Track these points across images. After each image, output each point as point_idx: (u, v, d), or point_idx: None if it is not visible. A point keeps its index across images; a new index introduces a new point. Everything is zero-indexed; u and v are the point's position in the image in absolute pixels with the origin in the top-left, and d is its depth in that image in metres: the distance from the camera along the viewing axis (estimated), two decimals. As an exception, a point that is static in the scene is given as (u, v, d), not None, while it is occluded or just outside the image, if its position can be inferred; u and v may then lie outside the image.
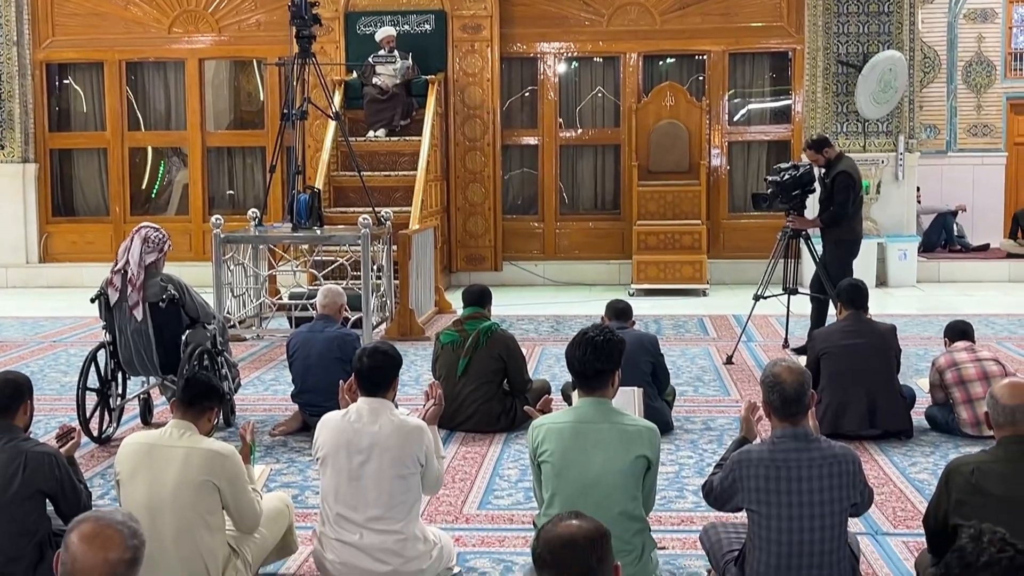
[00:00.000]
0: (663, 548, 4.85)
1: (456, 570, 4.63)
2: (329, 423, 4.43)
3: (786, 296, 9.32)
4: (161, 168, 15.15)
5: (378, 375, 4.41)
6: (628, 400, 5.35)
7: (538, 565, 2.53)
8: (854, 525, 5.09)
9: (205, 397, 4.42)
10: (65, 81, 15.04)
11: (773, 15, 14.06)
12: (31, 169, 14.55)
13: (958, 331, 6.93)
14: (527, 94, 14.67)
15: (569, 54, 14.56)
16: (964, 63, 16.14)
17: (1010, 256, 14.57)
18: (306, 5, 10.08)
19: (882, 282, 13.39)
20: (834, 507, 3.96)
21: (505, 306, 11.81)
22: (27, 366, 8.95)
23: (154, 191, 15.17)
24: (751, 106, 14.59)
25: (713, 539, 4.37)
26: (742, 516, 4.21)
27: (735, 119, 14.50)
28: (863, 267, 12.71)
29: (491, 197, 14.23)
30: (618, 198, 14.54)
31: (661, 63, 14.61)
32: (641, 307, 11.95)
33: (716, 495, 4.21)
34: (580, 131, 14.65)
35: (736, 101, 14.49)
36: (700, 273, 13.29)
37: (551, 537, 2.53)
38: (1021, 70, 16.34)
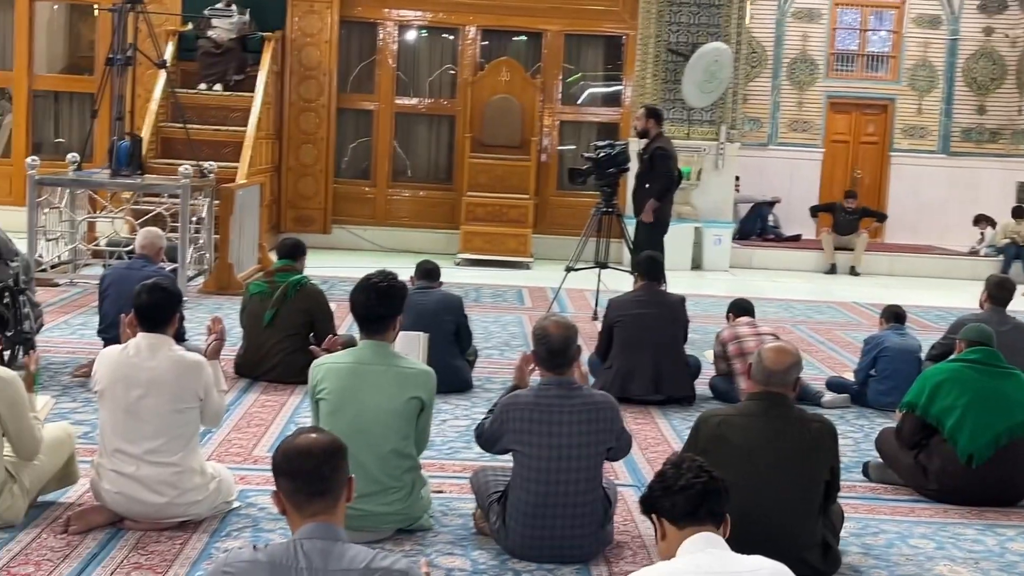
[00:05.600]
0: (441, 492, 5.07)
1: (235, 504, 4.76)
2: (108, 357, 4.50)
3: (597, 269, 9.66)
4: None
5: (157, 311, 4.49)
6: (413, 344, 5.55)
7: (275, 473, 2.71)
8: (624, 478, 5.42)
9: (-12, 324, 4.44)
10: None
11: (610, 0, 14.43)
12: None
13: (740, 308, 7.34)
14: (365, 59, 14.73)
15: (410, 22, 14.69)
16: (789, 60, 16.82)
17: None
18: (135, -50, 9.96)
19: (697, 265, 13.93)
20: (591, 450, 4.24)
21: (331, 267, 11.91)
22: None
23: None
24: (584, 87, 14.95)
25: (481, 480, 4.61)
26: (510, 461, 4.46)
27: (572, 100, 14.85)
28: (679, 249, 13.29)
29: (324, 159, 14.27)
30: (451, 168, 14.76)
31: (511, 40, 14.83)
32: (465, 276, 12.23)
33: (486, 436, 4.46)
34: (417, 100, 14.79)
35: (569, 81, 14.83)
36: (525, 246, 13.60)
37: (288, 447, 2.71)
38: (841, 70, 17.12)
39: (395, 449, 4.32)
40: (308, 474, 2.66)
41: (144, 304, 4.53)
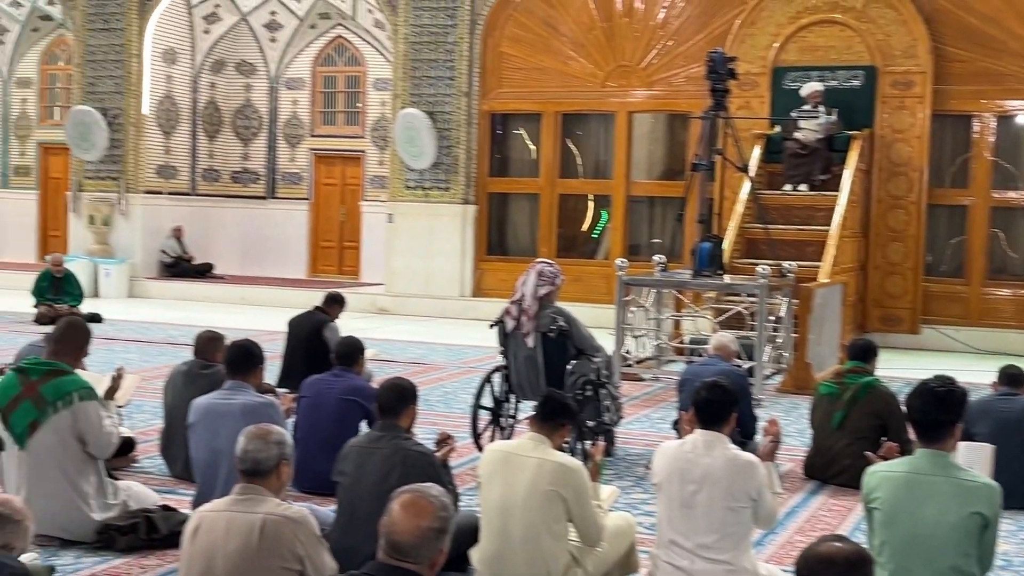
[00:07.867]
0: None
1: (789, 610, 4.68)
2: (666, 451, 4.64)
3: None
4: (604, 216, 15.92)
5: (714, 409, 4.57)
6: (979, 456, 5.15)
7: (798, 580, 2.64)
8: None
9: (560, 414, 4.77)
10: (515, 131, 16.29)
11: None
12: (471, 210, 15.87)
13: None
14: (959, 153, 14.14)
15: (1010, 112, 13.91)
16: None
17: None
18: (723, 60, 10.37)
19: None
20: None
21: (918, 370, 11.39)
22: (443, 387, 9.81)
23: (595, 233, 16.03)
24: None
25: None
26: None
27: None
28: None
29: (913, 256, 13.82)
30: (1058, 264, 13.70)
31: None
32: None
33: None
34: (1018, 193, 13.94)
35: None
36: None
37: (811, 555, 2.63)
38: None
39: (954, 566, 4.02)
40: (832, 585, 2.57)
41: (702, 401, 4.64)
